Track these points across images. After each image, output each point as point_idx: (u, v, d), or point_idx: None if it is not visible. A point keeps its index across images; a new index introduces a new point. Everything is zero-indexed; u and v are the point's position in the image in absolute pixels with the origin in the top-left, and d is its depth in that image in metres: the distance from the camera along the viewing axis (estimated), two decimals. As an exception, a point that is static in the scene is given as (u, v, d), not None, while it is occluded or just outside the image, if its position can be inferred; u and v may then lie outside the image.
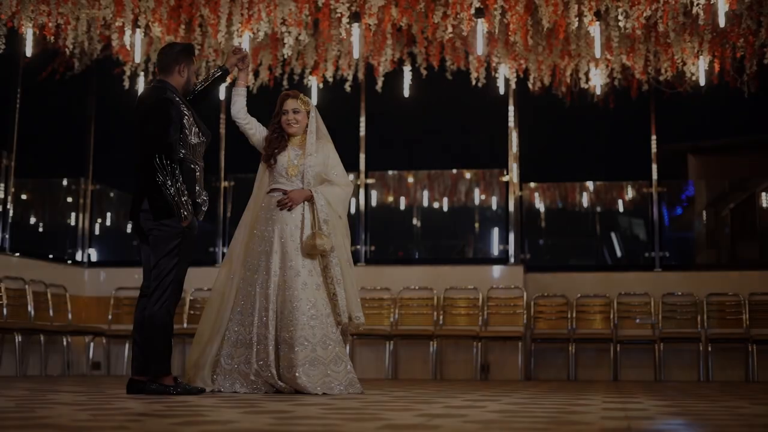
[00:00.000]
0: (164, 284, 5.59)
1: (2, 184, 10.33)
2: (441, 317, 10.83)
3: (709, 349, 10.41)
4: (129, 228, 11.41)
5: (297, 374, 5.96)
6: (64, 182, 12.13)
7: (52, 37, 9.28)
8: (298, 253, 6.21)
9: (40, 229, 11.96)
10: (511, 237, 11.33)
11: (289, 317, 6.10)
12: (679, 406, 4.88)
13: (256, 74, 10.47)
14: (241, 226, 6.47)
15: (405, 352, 10.76)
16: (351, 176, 11.64)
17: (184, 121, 5.66)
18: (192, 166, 5.70)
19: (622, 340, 10.63)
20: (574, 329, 10.79)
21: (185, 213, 5.52)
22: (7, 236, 10.24)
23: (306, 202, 6.28)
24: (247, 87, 6.53)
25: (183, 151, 5.64)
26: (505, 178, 11.44)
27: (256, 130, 6.44)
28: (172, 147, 5.53)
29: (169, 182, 5.46)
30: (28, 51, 9.27)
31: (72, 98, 11.61)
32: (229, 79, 6.85)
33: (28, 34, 9.12)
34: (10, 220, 10.31)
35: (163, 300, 5.59)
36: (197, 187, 5.72)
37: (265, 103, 8.00)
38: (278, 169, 6.31)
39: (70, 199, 12.03)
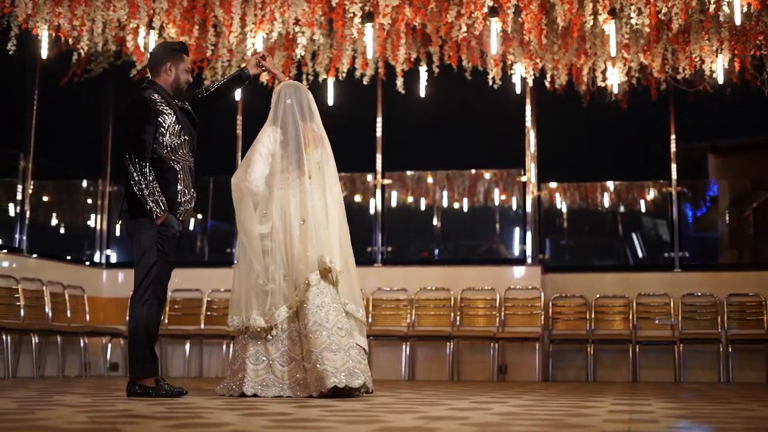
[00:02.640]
0: (145, 284, 5.57)
1: (20, 186, 10.38)
2: (458, 318, 10.78)
3: (730, 350, 10.29)
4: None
5: None
6: (84, 183, 12.16)
7: (69, 39, 9.32)
8: None
9: (61, 231, 12.00)
10: (529, 237, 11.25)
11: None
12: (688, 408, 4.81)
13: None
14: None
15: (422, 353, 10.72)
16: (369, 177, 11.63)
17: (160, 119, 5.64)
18: (173, 165, 5.66)
19: (641, 341, 10.53)
20: (593, 330, 10.70)
21: (157, 211, 5.50)
22: (24, 237, 10.28)
23: None
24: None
25: (163, 150, 5.63)
26: (523, 178, 11.36)
27: None
28: (142, 145, 5.53)
29: (139, 180, 5.47)
30: (44, 53, 9.30)
31: (89, 100, 11.64)
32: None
33: (44, 36, 9.15)
34: (27, 222, 10.35)
35: (144, 300, 5.56)
36: (179, 186, 5.68)
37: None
38: None
39: (90, 201, 12.07)
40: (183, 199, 5.70)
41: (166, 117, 5.66)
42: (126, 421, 3.71)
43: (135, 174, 5.48)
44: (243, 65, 6.54)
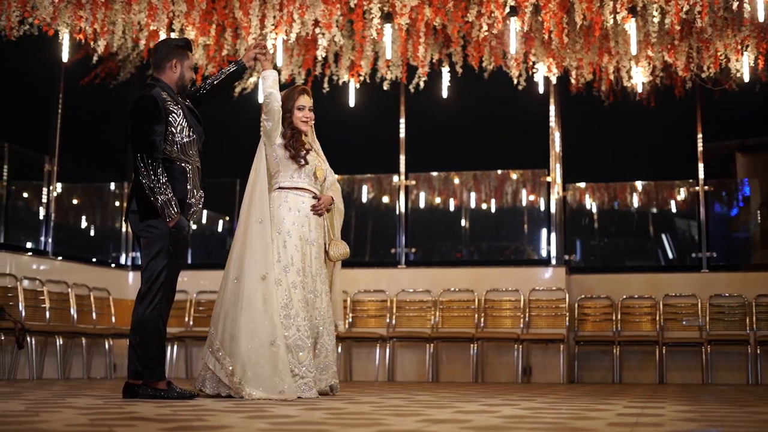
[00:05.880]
0: (155, 287, 5.46)
1: (45, 189, 10.47)
2: (482, 319, 10.72)
3: (758, 351, 10.15)
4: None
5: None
6: (111, 186, 12.24)
7: (91, 43, 9.39)
8: (320, 259, 6.20)
9: (87, 233, 12.07)
10: (554, 238, 11.16)
11: (320, 324, 6.12)
12: (699, 411, 4.73)
13: (292, 76, 10.45)
14: (259, 225, 5.97)
15: (446, 355, 10.67)
16: (395, 178, 11.60)
17: (171, 119, 5.53)
18: (182, 165, 5.56)
19: (668, 343, 10.42)
20: (619, 331, 10.60)
21: (170, 213, 5.41)
22: (50, 240, 10.37)
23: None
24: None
25: (174, 150, 5.53)
26: (548, 179, 11.28)
27: (281, 119, 6.16)
28: (154, 145, 5.42)
29: (151, 181, 5.37)
30: (65, 56, 9.37)
31: (114, 103, 11.71)
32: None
33: (65, 39, 9.22)
34: (53, 224, 10.44)
35: (154, 304, 5.46)
36: (189, 186, 5.58)
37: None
38: (307, 171, 6.14)
39: (117, 204, 12.15)
40: (192, 200, 5.61)
41: (176, 116, 5.56)
42: (124, 423, 3.71)
43: (147, 175, 5.37)
44: (240, 58, 6.45)
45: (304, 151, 6.18)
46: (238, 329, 5.82)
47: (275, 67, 9.93)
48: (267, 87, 6.09)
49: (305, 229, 6.10)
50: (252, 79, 10.54)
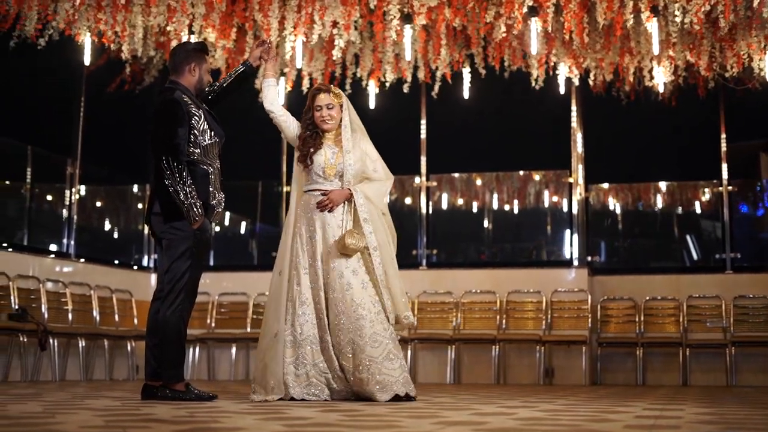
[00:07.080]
0: (177, 289, 5.46)
1: (67, 191, 10.53)
2: (504, 321, 10.68)
3: (783, 353, 10.07)
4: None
5: (357, 376, 5.79)
6: (134, 189, 12.30)
7: (111, 45, 9.44)
8: (335, 254, 6.12)
9: (109, 235, 12.13)
10: (576, 239, 11.10)
11: (335, 321, 5.97)
12: (718, 414, 4.68)
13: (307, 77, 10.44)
14: (285, 227, 6.23)
15: (468, 357, 10.63)
16: (417, 179, 11.56)
17: (193, 122, 5.53)
18: (205, 167, 5.57)
19: (692, 344, 10.34)
20: (643, 333, 10.53)
21: (195, 215, 5.42)
22: (72, 242, 10.42)
23: (346, 202, 6.14)
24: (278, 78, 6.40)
25: (196, 152, 5.53)
26: (570, 180, 11.22)
27: (291, 125, 6.21)
28: (178, 148, 5.42)
29: (176, 184, 5.37)
30: (87, 59, 9.43)
31: (137, 106, 11.74)
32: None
33: (86, 42, 9.27)
34: (75, 227, 10.50)
35: (176, 305, 5.46)
36: (211, 189, 5.59)
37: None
38: (315, 169, 6.08)
39: (139, 206, 12.20)
40: (214, 202, 5.63)
41: (198, 118, 5.57)
42: (139, 425, 3.71)
43: (172, 177, 5.37)
44: (247, 58, 6.40)
45: (310, 152, 6.16)
46: (264, 327, 6.12)
47: (298, 71, 10.06)
48: (265, 105, 6.22)
49: (315, 226, 6.05)
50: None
